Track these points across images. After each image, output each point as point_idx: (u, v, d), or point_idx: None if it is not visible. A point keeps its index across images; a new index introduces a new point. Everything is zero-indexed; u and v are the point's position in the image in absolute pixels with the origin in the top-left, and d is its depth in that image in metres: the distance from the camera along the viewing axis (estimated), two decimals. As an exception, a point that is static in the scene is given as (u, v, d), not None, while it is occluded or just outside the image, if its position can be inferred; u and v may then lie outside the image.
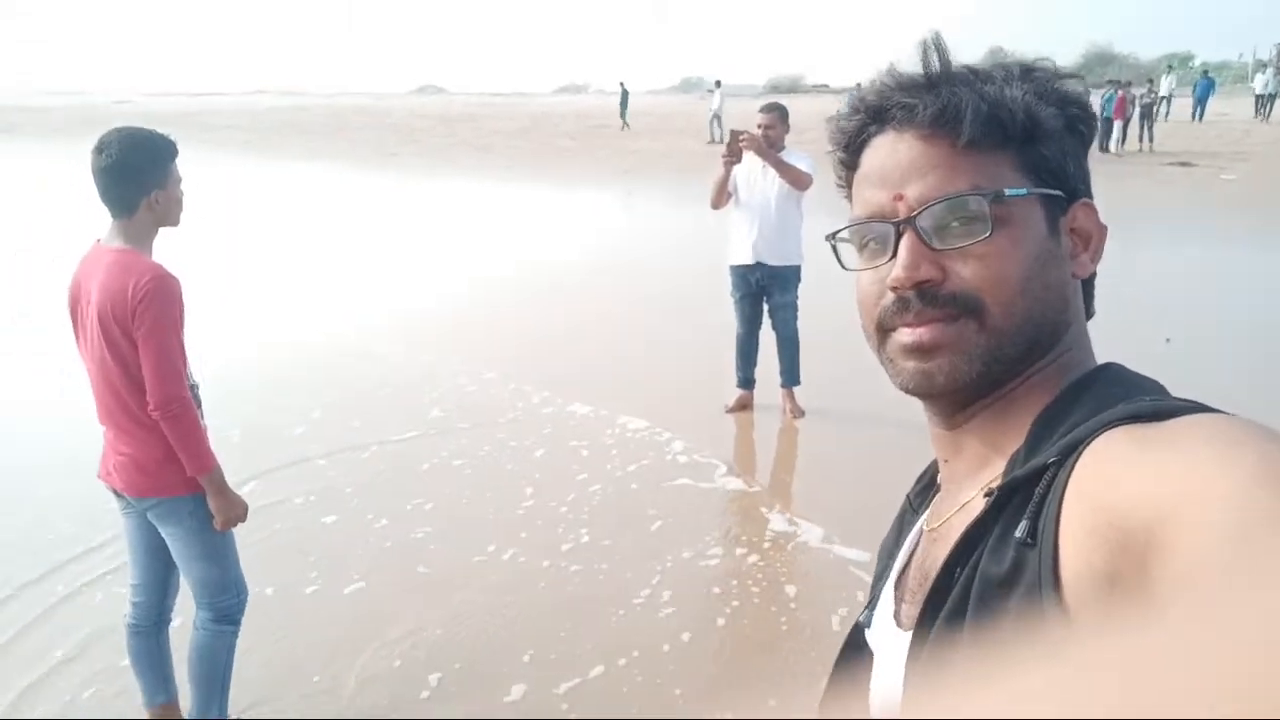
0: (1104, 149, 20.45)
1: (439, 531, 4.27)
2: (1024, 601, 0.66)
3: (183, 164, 2.69)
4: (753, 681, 3.16)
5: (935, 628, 0.74)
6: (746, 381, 5.84)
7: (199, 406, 2.66)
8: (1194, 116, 28.51)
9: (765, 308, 5.67)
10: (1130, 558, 0.57)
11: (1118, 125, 21.34)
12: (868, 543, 4.04)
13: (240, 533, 2.79)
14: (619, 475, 4.91)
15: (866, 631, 0.94)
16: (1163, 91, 26.04)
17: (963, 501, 0.84)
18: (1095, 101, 21.69)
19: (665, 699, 3.05)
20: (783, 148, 5.41)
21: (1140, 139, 21.71)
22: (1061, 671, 0.23)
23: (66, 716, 3.05)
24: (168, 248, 2.71)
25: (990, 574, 0.70)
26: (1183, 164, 18.88)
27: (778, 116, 5.45)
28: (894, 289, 0.81)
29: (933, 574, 0.80)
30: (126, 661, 2.94)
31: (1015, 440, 0.79)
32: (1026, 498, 0.70)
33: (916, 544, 0.93)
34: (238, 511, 2.68)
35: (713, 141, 26.16)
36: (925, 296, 0.79)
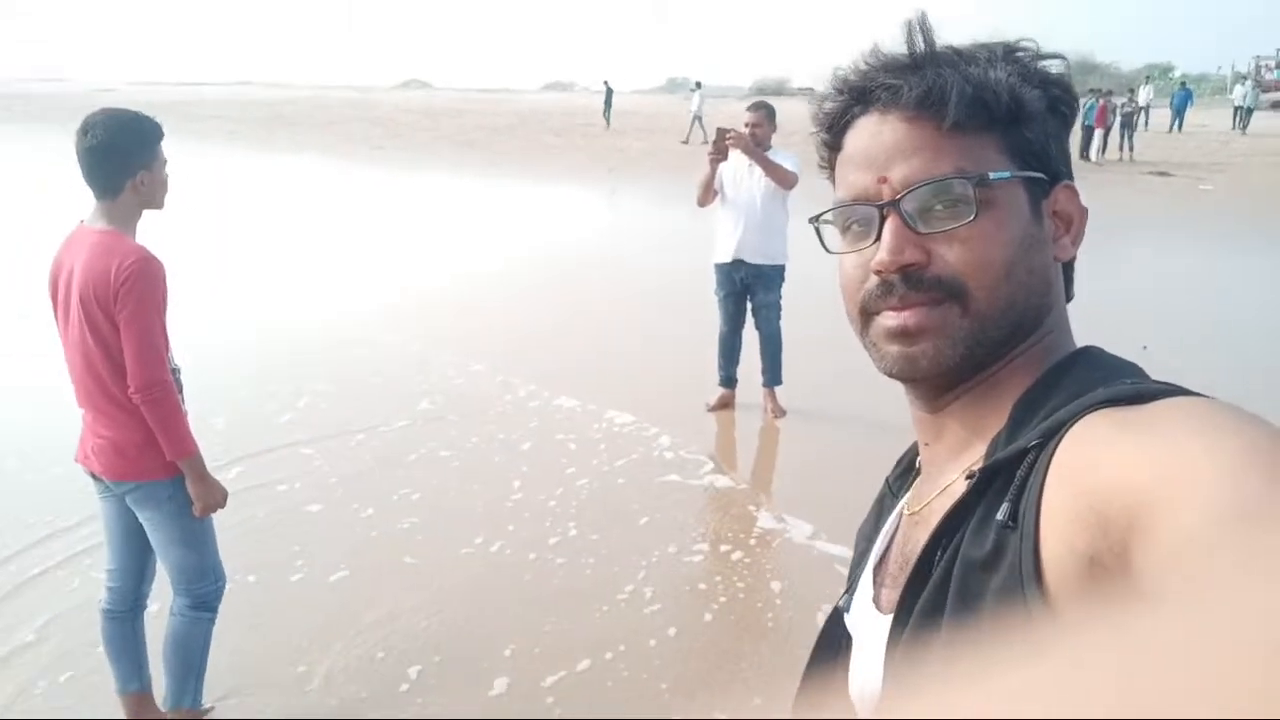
0: (1084, 157, 20.63)
1: (425, 522, 4.26)
2: (1005, 584, 0.66)
3: (168, 153, 2.67)
4: (739, 677, 3.17)
5: (915, 612, 0.74)
6: (728, 380, 5.84)
7: (180, 391, 2.64)
8: (1172, 127, 28.82)
9: (749, 306, 5.68)
10: (1111, 541, 0.57)
11: (1098, 134, 21.53)
12: (852, 539, 4.05)
13: (222, 519, 2.78)
14: (606, 470, 4.91)
15: (845, 616, 0.94)
16: (1141, 101, 26.31)
17: (944, 485, 0.84)
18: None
19: (651, 694, 3.05)
20: (769, 147, 5.42)
21: (1120, 148, 21.92)
22: (1051, 668, 0.23)
23: (34, 703, 3.02)
24: (152, 232, 2.69)
25: (971, 557, 0.70)
26: (1161, 174, 19.08)
27: (765, 115, 5.46)
28: (878, 273, 0.80)
29: (913, 558, 0.80)
30: (90, 643, 2.91)
31: (996, 423, 0.79)
32: (1007, 480, 0.70)
33: (896, 528, 0.92)
34: (217, 497, 2.66)
35: (688, 142, 26.28)
36: (909, 280, 0.79)
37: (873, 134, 0.82)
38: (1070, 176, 0.86)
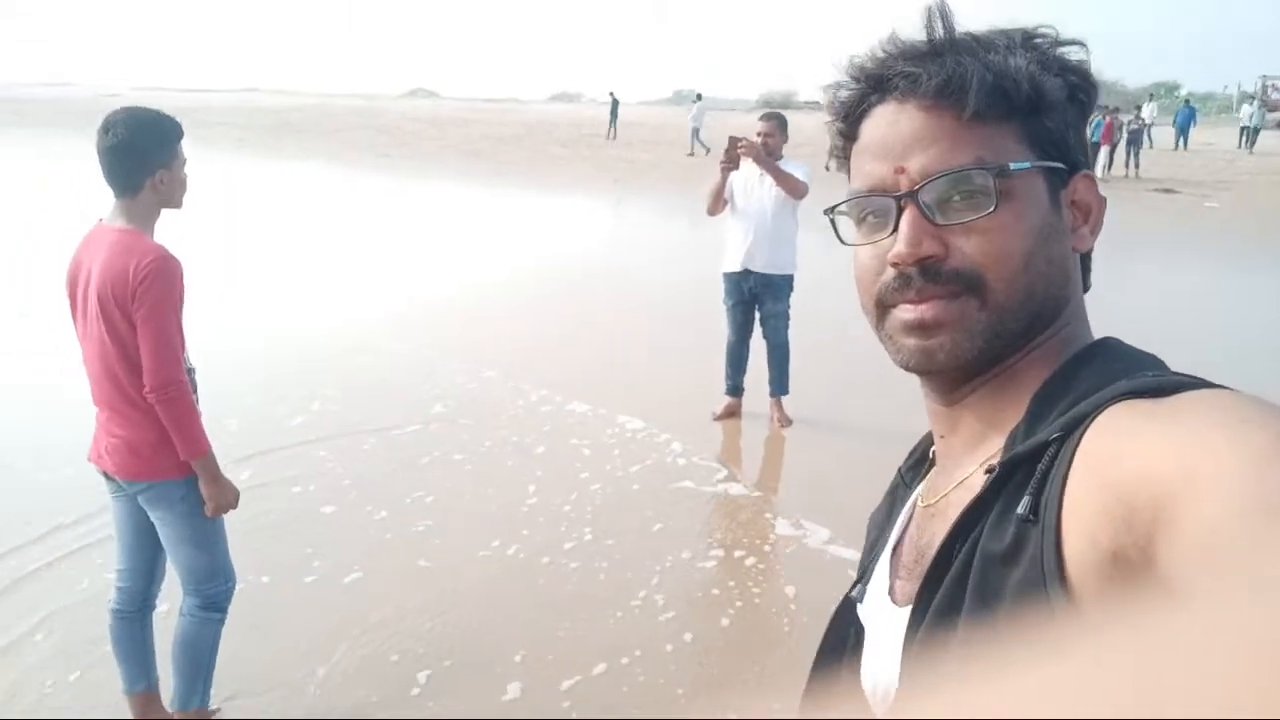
0: None
1: (439, 525, 4.25)
2: (1025, 579, 0.65)
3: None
4: (755, 683, 3.15)
5: (933, 607, 0.74)
6: (735, 389, 5.83)
7: (195, 390, 2.64)
8: (1177, 144, 28.87)
9: (757, 316, 5.68)
10: (1135, 535, 0.56)
11: (1104, 150, 21.55)
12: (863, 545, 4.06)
13: (235, 520, 2.77)
14: (620, 475, 4.91)
15: (858, 606, 0.93)
16: (1145, 119, 26.42)
17: (960, 478, 0.83)
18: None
19: (668, 699, 3.04)
20: (781, 156, 5.43)
21: (1126, 165, 21.94)
22: (1071, 668, 0.23)
23: (33, 701, 3.01)
24: (162, 236, 2.69)
25: (991, 551, 0.69)
26: (1167, 190, 19.09)
27: (776, 125, 5.47)
28: (895, 265, 0.79)
29: (930, 551, 0.80)
30: (92, 640, 2.90)
31: (1014, 416, 0.78)
32: (1028, 474, 0.69)
33: (910, 519, 0.91)
34: (229, 498, 2.65)
35: (694, 154, 26.37)
36: (927, 273, 0.77)
37: (890, 123, 0.81)
38: (1089, 166, 0.84)
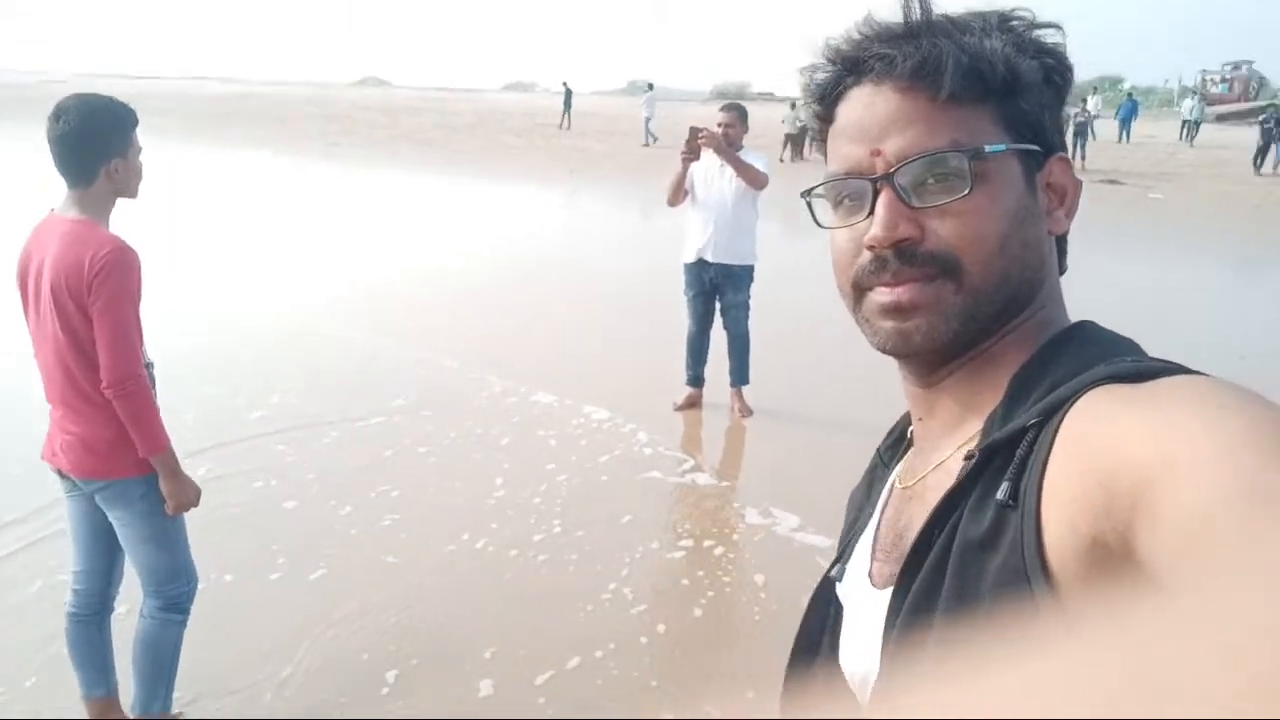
0: None
1: (406, 520, 4.20)
2: (1005, 564, 0.66)
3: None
4: (730, 673, 3.16)
5: (912, 592, 0.74)
6: (696, 379, 5.84)
7: (153, 385, 2.57)
8: (1120, 137, 29.50)
9: (718, 306, 5.69)
10: (1114, 521, 0.56)
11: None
12: (831, 530, 4.09)
13: (194, 515, 2.69)
14: (588, 466, 4.89)
15: (837, 585, 0.93)
16: (1090, 111, 26.95)
17: (937, 461, 0.83)
18: None
19: (643, 691, 3.03)
20: (741, 147, 5.44)
21: (1073, 157, 22.35)
22: (1054, 663, 0.23)
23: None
24: (120, 224, 2.61)
25: (970, 536, 0.69)
26: (1112, 182, 19.47)
27: (737, 116, 5.48)
28: (871, 248, 0.79)
29: (908, 534, 0.80)
30: (44, 638, 2.81)
31: (991, 399, 0.78)
32: (1006, 459, 0.69)
33: (888, 500, 0.92)
34: (190, 495, 2.59)
35: (650, 145, 26.42)
36: (903, 255, 0.77)
37: (866, 105, 0.80)
38: (1064, 148, 0.85)
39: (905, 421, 0.96)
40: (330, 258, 10.36)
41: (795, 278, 6.30)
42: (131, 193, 2.59)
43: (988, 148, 0.77)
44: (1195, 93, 41.70)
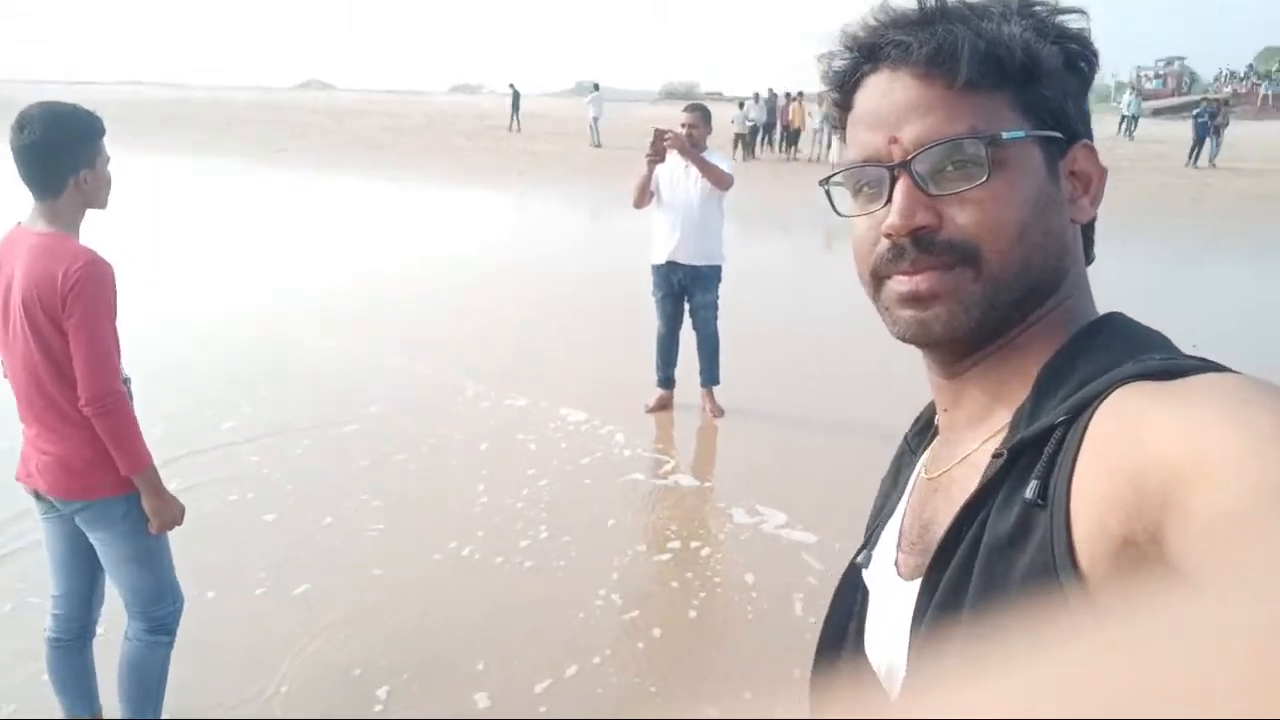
0: None
1: (390, 530, 4.13)
2: (1034, 563, 0.65)
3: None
4: (727, 673, 3.15)
5: (940, 589, 0.74)
6: (667, 381, 5.84)
7: (130, 400, 2.49)
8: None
9: (686, 307, 5.70)
10: (1145, 521, 0.56)
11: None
12: (818, 526, 4.13)
13: (173, 531, 2.62)
14: (570, 470, 4.86)
15: (864, 571, 0.93)
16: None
17: (964, 454, 0.83)
18: None
19: (643, 697, 3.01)
20: (705, 148, 5.44)
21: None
22: (1081, 661, 0.22)
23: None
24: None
25: (998, 534, 0.69)
26: (1057, 176, 19.90)
27: (700, 116, 5.48)
28: (889, 236, 0.78)
29: (933, 526, 0.80)
30: (14, 655, 2.72)
31: (1018, 390, 0.78)
32: (1034, 457, 0.69)
33: (913, 489, 0.92)
34: (174, 513, 2.52)
35: (600, 145, 26.39)
36: (921, 244, 0.77)
37: (883, 93, 0.80)
38: (1089, 135, 0.84)
39: (932, 409, 0.95)
40: (289, 265, 10.19)
41: (755, 278, 6.33)
42: (101, 203, 2.52)
43: (1005, 134, 0.76)
44: (1132, 88, 42.77)
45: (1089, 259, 0.87)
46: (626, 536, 4.15)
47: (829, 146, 23.51)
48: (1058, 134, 0.79)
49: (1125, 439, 0.61)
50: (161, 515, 2.48)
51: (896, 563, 0.87)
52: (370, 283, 9.23)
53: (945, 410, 0.88)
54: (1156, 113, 48.64)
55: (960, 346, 0.81)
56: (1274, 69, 61.01)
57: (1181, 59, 76.16)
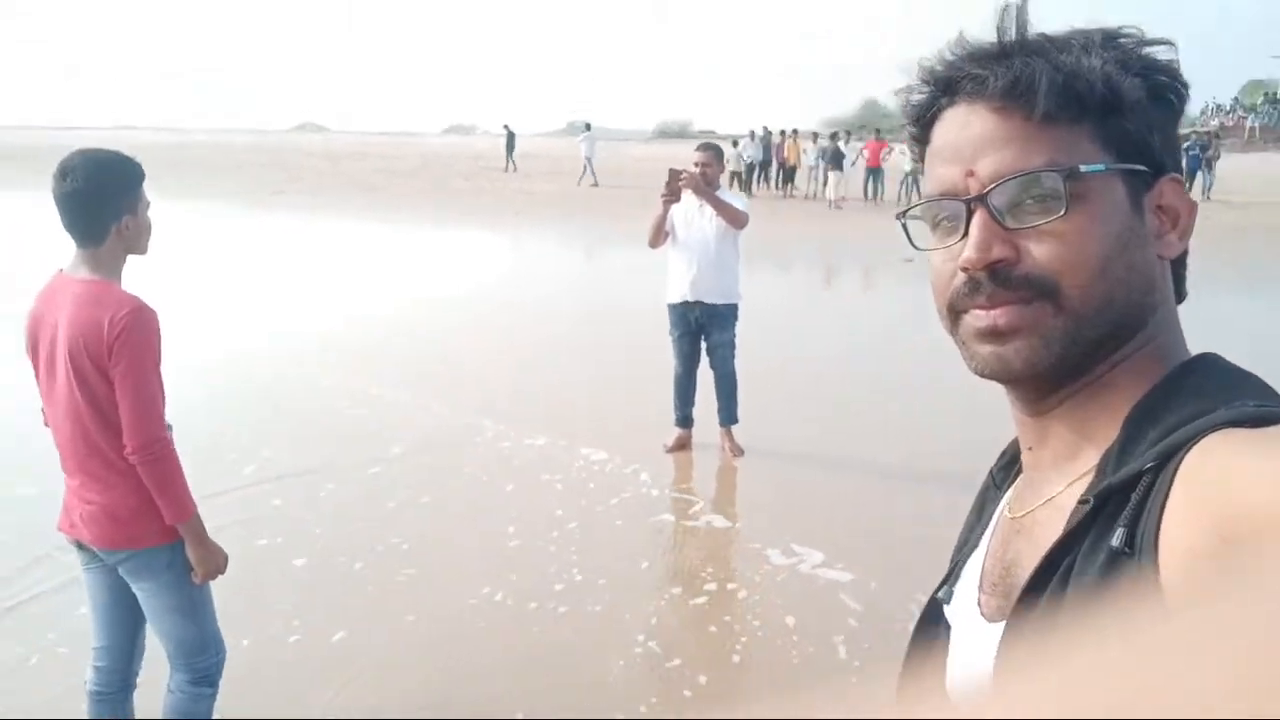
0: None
1: (422, 574, 4.07)
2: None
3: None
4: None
5: (1025, 633, 0.72)
6: (685, 420, 5.81)
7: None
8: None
9: (703, 346, 5.68)
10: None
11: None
12: (855, 565, 4.08)
13: (204, 585, 2.58)
14: (599, 511, 4.82)
15: (945, 607, 0.91)
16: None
17: (1049, 495, 0.81)
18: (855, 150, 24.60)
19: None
20: (719, 186, 5.47)
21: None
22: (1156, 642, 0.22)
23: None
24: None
25: (1084, 581, 0.68)
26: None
27: (713, 155, 5.52)
28: (965, 270, 0.77)
29: (1015, 569, 0.79)
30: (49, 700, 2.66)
31: (1105, 430, 0.76)
32: (1121, 504, 0.68)
33: (996, 527, 0.90)
34: (219, 562, 2.48)
35: (598, 185, 26.57)
36: (998, 278, 0.76)
37: (960, 126, 0.80)
38: (1178, 170, 0.82)
39: (1017, 444, 0.93)
40: (288, 304, 10.19)
41: (754, 315, 6.35)
42: (142, 249, 2.51)
43: (1084, 167, 0.75)
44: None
45: (1180, 296, 0.85)
46: (661, 579, 4.11)
47: (824, 183, 23.78)
48: (1142, 167, 0.78)
49: (1214, 488, 0.60)
50: (206, 564, 2.45)
51: (979, 602, 0.85)
52: (376, 324, 9.22)
53: (1030, 449, 0.86)
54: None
55: (1043, 383, 0.80)
56: (1259, 101, 61.82)
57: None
